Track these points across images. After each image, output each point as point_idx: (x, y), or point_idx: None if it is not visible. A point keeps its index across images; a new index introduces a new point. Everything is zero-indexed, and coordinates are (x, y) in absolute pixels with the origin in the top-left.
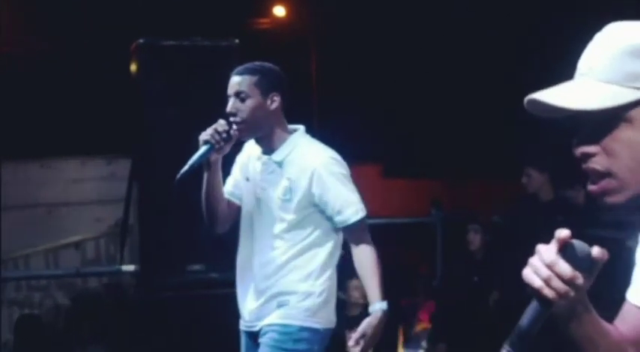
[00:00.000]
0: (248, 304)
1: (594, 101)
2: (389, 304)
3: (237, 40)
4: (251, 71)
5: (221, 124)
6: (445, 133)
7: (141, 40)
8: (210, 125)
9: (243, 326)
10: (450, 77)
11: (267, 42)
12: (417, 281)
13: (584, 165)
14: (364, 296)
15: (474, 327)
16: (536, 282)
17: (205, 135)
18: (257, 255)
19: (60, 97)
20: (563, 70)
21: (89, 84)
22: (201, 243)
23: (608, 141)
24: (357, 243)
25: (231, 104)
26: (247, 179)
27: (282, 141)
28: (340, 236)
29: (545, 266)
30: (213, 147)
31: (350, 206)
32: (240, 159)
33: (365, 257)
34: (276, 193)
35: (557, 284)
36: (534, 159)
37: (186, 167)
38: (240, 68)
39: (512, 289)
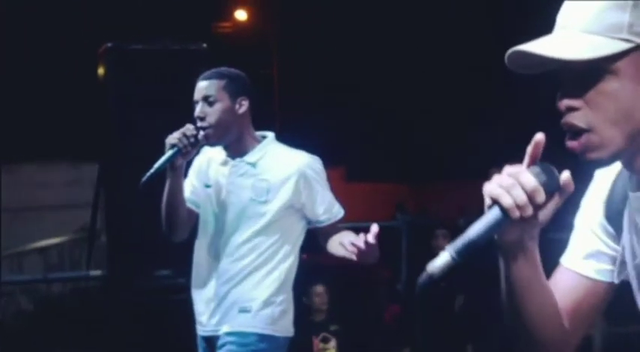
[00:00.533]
0: (207, 310)
1: (582, 51)
2: (352, 309)
3: (205, 44)
4: (218, 75)
5: (189, 129)
6: (409, 136)
7: (109, 44)
8: (177, 129)
9: (201, 331)
10: (412, 80)
11: (229, 45)
12: (378, 285)
13: (563, 120)
14: (326, 302)
15: (439, 332)
16: (496, 190)
17: (173, 139)
18: (220, 262)
19: (24, 101)
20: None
21: (54, 88)
22: (168, 248)
23: (593, 94)
24: (337, 232)
25: (199, 109)
26: (207, 185)
27: (253, 145)
28: (299, 246)
29: (509, 176)
30: (180, 151)
31: (335, 203)
32: (197, 165)
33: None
34: (249, 195)
35: (518, 192)
36: (500, 161)
37: (151, 170)
38: (206, 73)
39: (477, 294)
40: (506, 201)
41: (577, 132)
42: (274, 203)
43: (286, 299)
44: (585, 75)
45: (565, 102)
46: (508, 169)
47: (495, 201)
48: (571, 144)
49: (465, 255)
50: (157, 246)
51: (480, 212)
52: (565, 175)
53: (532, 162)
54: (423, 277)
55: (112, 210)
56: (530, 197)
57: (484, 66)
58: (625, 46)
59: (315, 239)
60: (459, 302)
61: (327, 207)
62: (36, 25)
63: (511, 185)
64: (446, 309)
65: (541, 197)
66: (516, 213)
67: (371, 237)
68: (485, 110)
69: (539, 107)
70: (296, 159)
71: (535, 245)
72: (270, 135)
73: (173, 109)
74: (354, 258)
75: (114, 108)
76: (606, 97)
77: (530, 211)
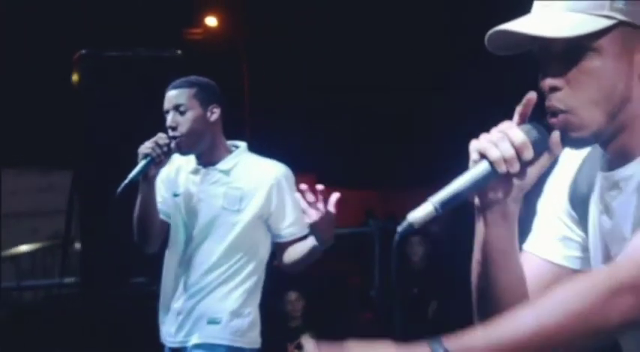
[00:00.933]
0: (176, 322)
1: (564, 29)
2: (326, 316)
3: (179, 51)
4: (188, 84)
5: (162, 137)
6: (378, 143)
7: (83, 51)
8: (152, 136)
9: (169, 343)
10: (383, 88)
11: (199, 52)
12: (351, 291)
13: (547, 103)
14: (300, 309)
15: (413, 337)
16: (484, 144)
17: (145, 148)
18: (188, 274)
19: None
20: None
21: (24, 95)
22: (143, 255)
23: (575, 72)
24: (293, 244)
25: (171, 118)
26: (175, 194)
27: (225, 153)
28: (266, 261)
29: (498, 131)
30: (153, 161)
31: (302, 220)
32: (165, 175)
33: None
34: (221, 204)
35: (506, 146)
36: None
37: (125, 181)
38: (176, 82)
39: (450, 299)
40: (494, 153)
41: (556, 112)
42: (246, 212)
43: (254, 311)
44: (567, 53)
45: (548, 82)
46: (497, 126)
47: (483, 156)
48: (551, 120)
49: (448, 207)
50: (132, 253)
51: (452, 221)
52: (555, 135)
53: (522, 121)
54: (404, 225)
55: (86, 216)
56: (518, 151)
57: (460, 75)
58: (607, 22)
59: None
60: (432, 307)
61: (292, 221)
62: (7, 32)
63: (500, 138)
64: (420, 315)
65: (529, 153)
66: (503, 167)
67: (331, 206)
68: (452, 118)
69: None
70: (271, 168)
71: (516, 211)
72: (243, 144)
73: (148, 116)
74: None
75: (88, 114)
76: (588, 76)
77: (517, 167)
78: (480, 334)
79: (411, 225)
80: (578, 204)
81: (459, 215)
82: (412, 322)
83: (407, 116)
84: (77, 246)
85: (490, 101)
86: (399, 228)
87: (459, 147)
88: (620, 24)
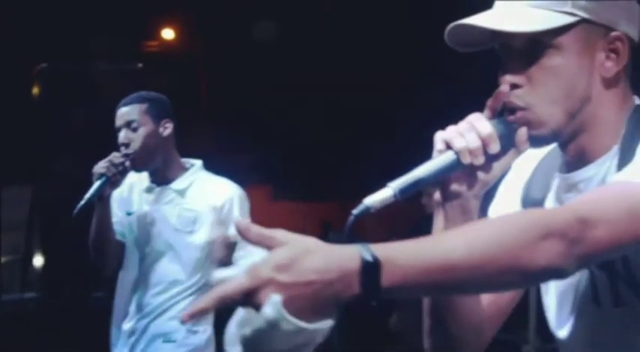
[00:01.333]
0: (128, 343)
1: (526, 24)
2: None
3: (139, 64)
4: (139, 100)
5: (116, 156)
6: (335, 154)
7: (43, 64)
8: (114, 150)
9: None
10: (340, 99)
11: (156, 65)
12: None
13: (506, 99)
14: None
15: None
16: (450, 133)
17: (100, 168)
18: (142, 294)
19: None
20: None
21: None
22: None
23: (535, 69)
24: None
25: (123, 135)
26: (129, 213)
27: (180, 171)
28: None
29: (466, 122)
30: (109, 180)
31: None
32: (118, 193)
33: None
34: (174, 225)
35: (472, 136)
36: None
37: (82, 201)
38: (126, 99)
39: (412, 311)
40: (459, 143)
41: (515, 109)
42: (200, 234)
43: (209, 329)
44: (528, 50)
45: (508, 79)
46: (466, 118)
47: (448, 146)
48: (510, 118)
49: (407, 193)
50: (93, 268)
51: (413, 234)
52: (521, 132)
53: (492, 114)
54: (360, 208)
55: (47, 233)
56: (485, 143)
57: (420, 86)
58: (569, 19)
59: None
60: (393, 320)
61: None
62: None
63: (466, 129)
64: (380, 328)
65: (495, 146)
66: (468, 158)
67: None
68: (417, 124)
69: None
70: (226, 189)
71: (476, 209)
72: (198, 162)
73: (108, 129)
74: None
75: (49, 128)
76: (549, 73)
77: (482, 159)
78: (409, 249)
79: (367, 208)
80: (532, 207)
81: (427, 226)
82: (372, 335)
83: (369, 123)
84: (37, 261)
85: (461, 105)
86: (355, 211)
87: (426, 156)
88: (582, 21)
